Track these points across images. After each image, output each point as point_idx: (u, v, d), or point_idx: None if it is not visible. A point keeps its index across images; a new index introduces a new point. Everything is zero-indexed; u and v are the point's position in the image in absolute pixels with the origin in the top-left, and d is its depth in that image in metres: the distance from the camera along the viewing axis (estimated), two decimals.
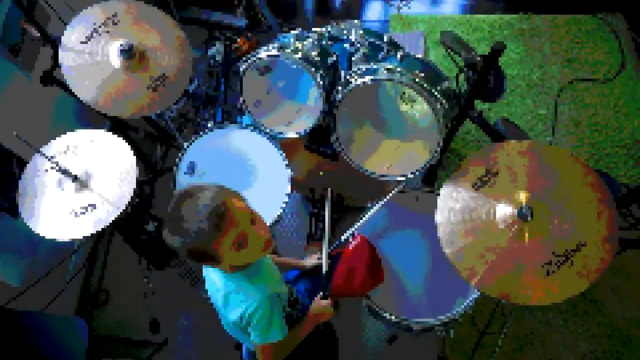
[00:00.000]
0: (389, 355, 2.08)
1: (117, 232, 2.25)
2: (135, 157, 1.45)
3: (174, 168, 1.65)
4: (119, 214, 1.37)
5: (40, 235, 1.36)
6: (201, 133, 1.73)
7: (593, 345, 2.09)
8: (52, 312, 1.88)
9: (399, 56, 1.47)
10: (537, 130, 2.56)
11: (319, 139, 1.67)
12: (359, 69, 1.44)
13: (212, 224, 0.97)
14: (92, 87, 1.49)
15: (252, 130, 1.75)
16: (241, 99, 1.60)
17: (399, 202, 1.68)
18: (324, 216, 2.17)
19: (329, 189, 1.57)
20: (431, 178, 2.39)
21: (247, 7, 2.95)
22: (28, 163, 1.47)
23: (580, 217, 1.32)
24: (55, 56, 1.64)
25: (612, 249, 1.29)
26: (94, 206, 1.37)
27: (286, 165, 1.68)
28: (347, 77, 1.45)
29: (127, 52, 1.50)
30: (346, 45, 1.66)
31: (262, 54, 1.49)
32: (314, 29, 1.57)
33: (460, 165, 1.49)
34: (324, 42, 1.60)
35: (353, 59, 1.55)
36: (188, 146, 1.70)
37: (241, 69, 1.53)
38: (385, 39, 1.65)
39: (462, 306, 1.48)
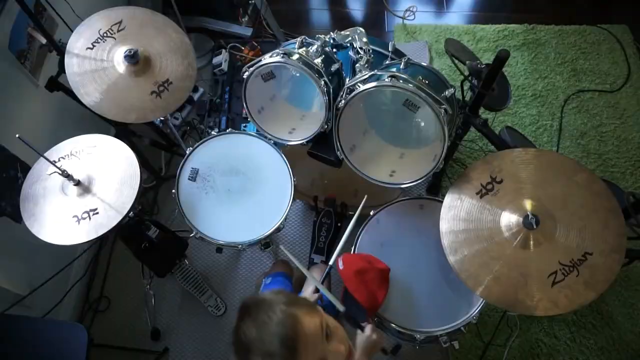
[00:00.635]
0: None
1: (119, 239, 2.25)
2: (138, 163, 1.44)
3: (177, 174, 1.65)
4: (120, 219, 1.36)
5: (42, 240, 1.35)
6: (204, 140, 1.73)
7: (600, 359, 2.04)
8: (53, 319, 1.87)
9: (402, 63, 1.47)
10: (543, 140, 2.55)
11: (323, 146, 1.66)
12: (362, 76, 1.44)
13: (284, 358, 0.85)
14: (96, 93, 1.50)
15: (255, 138, 1.74)
16: (244, 105, 1.60)
17: (403, 210, 1.66)
18: (327, 225, 2.17)
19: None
20: (435, 187, 2.38)
21: (253, 17, 2.98)
22: (32, 168, 1.47)
23: (586, 227, 1.31)
24: (61, 62, 1.65)
25: (620, 259, 1.27)
26: (96, 211, 1.37)
27: (290, 172, 1.68)
28: (351, 84, 1.45)
29: (132, 58, 1.51)
30: (350, 52, 1.67)
31: (266, 60, 1.49)
32: (317, 36, 1.57)
33: (464, 173, 1.48)
34: (327, 50, 1.61)
35: (357, 66, 1.55)
36: (191, 153, 1.69)
37: (244, 76, 1.53)
38: (389, 48, 1.65)
39: (467, 316, 1.46)
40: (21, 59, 1.81)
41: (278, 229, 1.63)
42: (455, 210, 1.43)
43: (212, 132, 1.76)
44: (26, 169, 1.60)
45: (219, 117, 2.62)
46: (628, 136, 2.54)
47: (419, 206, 1.67)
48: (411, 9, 3.04)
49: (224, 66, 2.78)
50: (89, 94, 1.50)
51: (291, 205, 1.63)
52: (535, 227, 1.29)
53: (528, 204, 1.35)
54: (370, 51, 1.59)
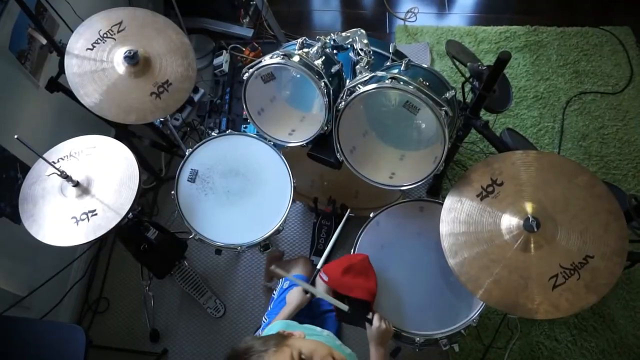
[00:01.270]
0: None
1: (118, 240, 2.25)
2: (138, 164, 1.44)
3: (176, 176, 1.64)
4: (119, 220, 1.36)
5: (40, 241, 1.35)
6: (204, 141, 1.72)
7: None
8: (51, 320, 1.86)
9: (403, 65, 1.46)
10: (544, 142, 2.54)
11: (323, 147, 1.66)
12: (363, 77, 1.43)
13: None
14: (96, 93, 1.50)
15: (255, 139, 1.74)
16: (244, 106, 1.60)
17: (403, 212, 1.66)
18: (327, 227, 2.16)
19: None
20: (436, 189, 2.37)
21: (254, 18, 2.97)
22: (31, 169, 1.46)
23: (587, 229, 1.30)
24: (61, 63, 1.65)
25: (621, 262, 1.26)
26: (94, 212, 1.36)
27: (289, 173, 1.67)
28: (351, 85, 1.45)
29: (132, 59, 1.51)
30: (350, 54, 1.66)
31: (266, 61, 1.49)
32: (318, 37, 1.57)
33: (464, 175, 1.48)
34: (328, 51, 1.60)
35: (357, 67, 1.55)
36: (191, 154, 1.69)
37: (244, 77, 1.53)
38: (390, 49, 1.64)
39: (467, 319, 1.45)
40: (22, 60, 1.81)
41: (277, 231, 1.62)
42: (455, 213, 1.42)
43: (212, 133, 1.75)
44: (26, 169, 1.60)
45: (219, 118, 2.62)
46: (630, 138, 2.53)
47: (419, 208, 1.66)
48: (412, 10, 3.04)
49: (225, 67, 2.78)
50: (89, 94, 1.50)
51: (291, 207, 1.63)
52: (536, 229, 1.28)
53: (529, 207, 1.34)
54: (371, 52, 1.58)
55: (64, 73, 1.57)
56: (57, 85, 1.73)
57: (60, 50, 1.71)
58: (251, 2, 2.93)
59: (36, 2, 1.84)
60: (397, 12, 3.07)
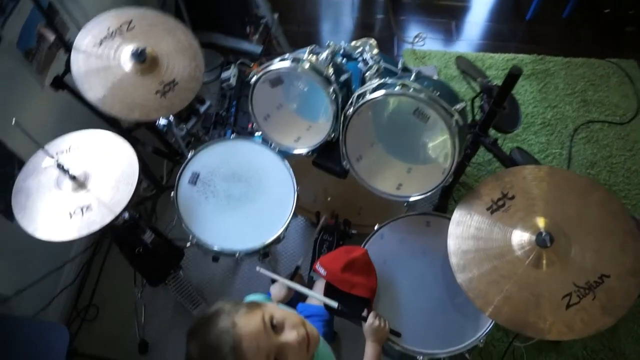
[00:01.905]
0: None
1: (113, 244, 2.18)
2: (138, 161, 1.40)
3: (177, 177, 1.60)
4: (114, 217, 1.31)
5: (30, 234, 1.29)
6: (208, 144, 1.69)
7: None
8: (32, 318, 1.78)
9: (413, 75, 1.44)
10: None
11: (328, 156, 1.62)
12: (372, 84, 1.41)
13: None
14: (101, 88, 1.47)
15: (260, 145, 1.71)
16: (251, 110, 1.57)
17: (408, 227, 1.60)
18: (329, 242, 2.10)
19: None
20: (442, 209, 2.31)
21: (263, 35, 3.00)
22: (27, 161, 1.42)
23: (603, 248, 1.24)
24: (68, 61, 1.63)
25: (638, 284, 1.20)
26: (89, 207, 1.31)
27: (293, 181, 1.63)
28: (360, 91, 1.42)
29: (139, 56, 1.49)
30: (360, 64, 1.65)
31: (275, 65, 1.47)
32: (328, 42, 1.56)
33: (473, 189, 1.43)
34: (337, 60, 1.59)
35: (366, 75, 1.53)
36: (193, 156, 1.65)
37: (252, 80, 1.51)
38: (399, 65, 1.63)
39: (473, 339, 1.37)
40: (29, 57, 1.80)
41: (278, 239, 1.57)
42: (464, 226, 1.37)
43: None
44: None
45: (224, 130, 2.59)
46: (638, 169, 2.49)
47: (425, 223, 1.61)
48: (420, 35, 3.06)
49: (232, 81, 2.77)
50: (93, 89, 1.47)
51: (293, 221, 1.57)
52: (549, 244, 1.22)
53: (541, 222, 1.29)
54: (381, 61, 1.57)
55: (70, 72, 1.55)
56: (62, 83, 1.71)
57: (69, 47, 1.70)
58: (262, 21, 2.96)
59: (48, 2, 1.85)
60: (406, 37, 3.10)
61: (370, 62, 1.57)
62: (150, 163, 2.31)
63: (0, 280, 1.69)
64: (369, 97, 1.38)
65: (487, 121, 1.66)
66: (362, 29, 3.25)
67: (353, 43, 1.63)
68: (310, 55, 1.51)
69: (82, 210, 1.30)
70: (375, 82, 1.39)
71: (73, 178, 1.34)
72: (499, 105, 1.57)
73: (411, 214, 1.63)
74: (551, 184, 1.35)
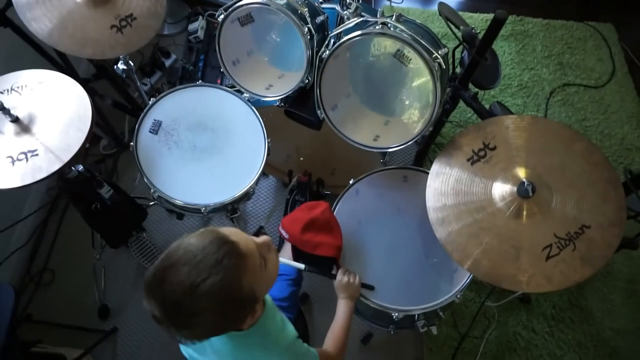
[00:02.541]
0: (362, 355, 1.91)
1: (71, 205, 2.04)
2: (91, 103, 1.26)
3: (137, 125, 1.46)
4: (63, 164, 1.18)
5: None
6: (171, 90, 1.54)
7: (578, 355, 1.96)
8: None
9: (394, 17, 1.33)
10: None
11: (302, 105, 1.51)
12: (350, 22, 1.30)
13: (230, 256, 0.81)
14: (46, 20, 1.30)
15: (229, 93, 1.58)
16: (218, 53, 1.44)
17: (384, 181, 1.53)
18: (301, 203, 2.02)
19: None
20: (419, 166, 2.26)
21: None
22: None
23: (584, 198, 1.20)
24: None
25: (619, 234, 1.17)
26: (35, 152, 1.17)
27: (264, 132, 1.52)
28: (337, 31, 1.31)
29: None
30: (337, 7, 1.52)
31: (246, 0, 1.33)
32: None
33: (453, 139, 1.37)
34: (313, 1, 1.46)
35: (344, 14, 1.41)
36: (155, 103, 1.51)
37: (220, 18, 1.37)
38: (378, 15, 1.52)
39: (449, 294, 1.33)
40: None
41: (247, 194, 1.47)
42: (443, 178, 1.31)
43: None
44: None
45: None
46: (611, 132, 2.50)
47: (402, 178, 1.54)
48: None
49: (200, 34, 2.61)
50: (37, 19, 1.30)
51: (264, 181, 1.47)
52: (531, 194, 1.17)
53: (522, 172, 1.24)
54: (360, 6, 1.45)
55: (12, 4, 1.37)
56: (4, 18, 1.52)
57: None
58: None
59: None
60: None
61: (349, 5, 1.45)
62: (111, 119, 2.16)
63: None
64: (345, 38, 1.27)
65: (469, 73, 1.58)
66: None
67: None
68: None
69: (26, 155, 1.17)
70: (354, 20, 1.28)
71: (16, 120, 1.20)
72: (482, 54, 1.50)
73: (388, 167, 1.55)
74: (534, 134, 1.30)
